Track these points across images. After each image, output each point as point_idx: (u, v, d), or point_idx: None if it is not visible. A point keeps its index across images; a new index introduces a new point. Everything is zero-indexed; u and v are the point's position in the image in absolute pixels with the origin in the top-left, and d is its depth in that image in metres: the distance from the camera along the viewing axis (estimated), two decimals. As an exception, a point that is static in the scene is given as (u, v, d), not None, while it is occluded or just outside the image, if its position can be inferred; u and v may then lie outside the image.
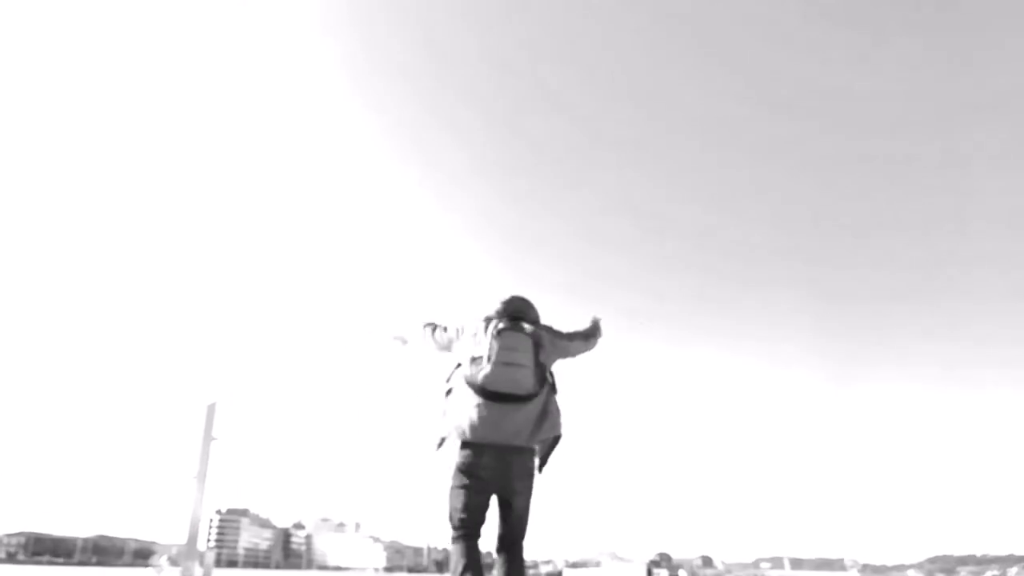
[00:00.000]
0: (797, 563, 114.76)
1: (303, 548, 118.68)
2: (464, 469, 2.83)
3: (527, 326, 2.99)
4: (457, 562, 2.78)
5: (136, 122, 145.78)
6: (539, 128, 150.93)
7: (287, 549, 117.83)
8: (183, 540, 5.03)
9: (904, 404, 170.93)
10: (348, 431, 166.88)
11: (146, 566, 50.74)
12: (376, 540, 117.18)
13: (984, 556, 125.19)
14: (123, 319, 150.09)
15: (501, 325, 2.94)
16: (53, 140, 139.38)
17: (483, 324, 3.00)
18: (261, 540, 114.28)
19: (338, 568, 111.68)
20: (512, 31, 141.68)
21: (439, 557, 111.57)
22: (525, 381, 2.84)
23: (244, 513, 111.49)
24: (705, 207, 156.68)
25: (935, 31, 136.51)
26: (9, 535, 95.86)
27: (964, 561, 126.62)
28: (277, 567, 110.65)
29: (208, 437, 5.15)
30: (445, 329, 3.21)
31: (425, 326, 3.28)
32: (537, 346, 2.93)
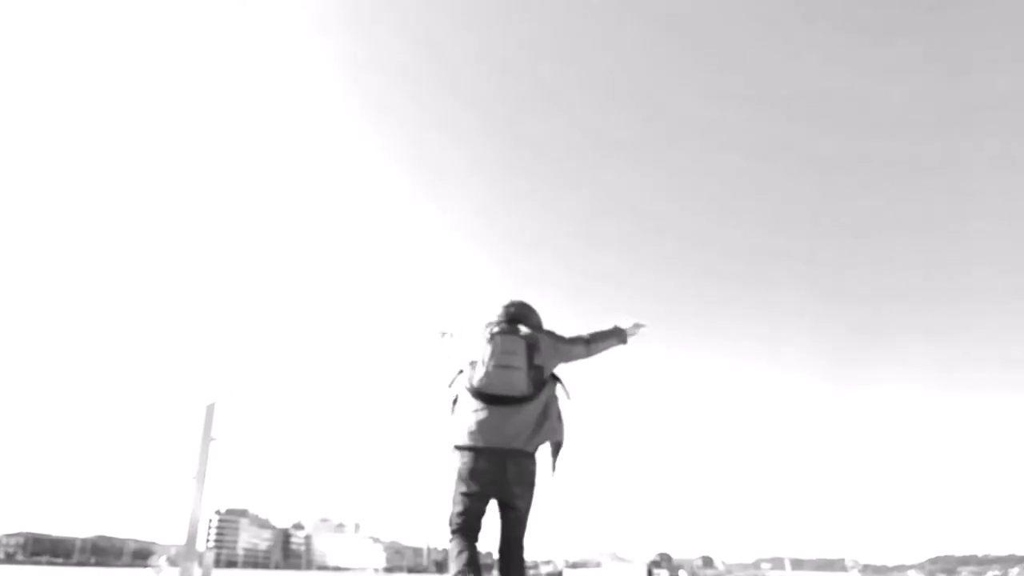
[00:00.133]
0: (798, 563, 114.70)
1: (302, 548, 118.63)
2: (463, 473, 2.86)
3: (524, 328, 3.02)
4: (455, 561, 2.80)
5: (135, 122, 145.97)
6: (538, 128, 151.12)
7: (286, 549, 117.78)
8: (182, 540, 5.02)
9: (905, 404, 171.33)
10: (348, 431, 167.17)
11: (145, 566, 50.75)
12: (376, 540, 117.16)
13: (985, 556, 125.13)
14: (122, 319, 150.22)
15: (496, 329, 2.98)
16: (53, 140, 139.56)
17: (483, 329, 3.04)
18: (260, 540, 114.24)
19: (338, 568, 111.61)
20: (512, 31, 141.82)
21: (439, 557, 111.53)
22: (519, 383, 2.87)
23: (243, 513, 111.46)
24: (705, 208, 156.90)
25: (935, 32, 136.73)
26: (8, 535, 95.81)
27: (965, 561, 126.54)
28: (276, 567, 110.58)
29: (207, 437, 5.14)
30: (452, 335, 3.30)
31: (443, 335, 3.37)
32: (532, 348, 2.95)
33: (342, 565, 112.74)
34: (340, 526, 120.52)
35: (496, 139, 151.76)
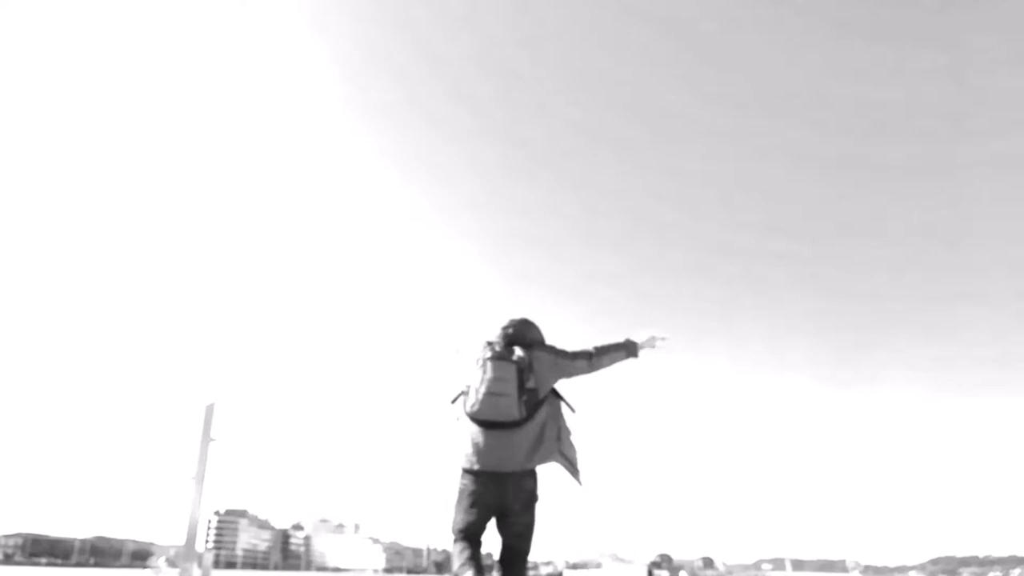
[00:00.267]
0: (799, 564, 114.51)
1: (302, 549, 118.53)
2: (464, 494, 2.94)
3: (518, 352, 3.02)
4: (458, 559, 2.85)
5: (134, 122, 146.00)
6: (538, 129, 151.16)
7: (286, 550, 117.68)
8: (181, 541, 5.02)
9: (905, 405, 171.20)
10: (347, 432, 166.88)
11: (144, 567, 50.74)
12: (375, 541, 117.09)
13: (987, 557, 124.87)
14: (122, 319, 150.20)
15: (488, 354, 3.00)
16: (53, 140, 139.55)
17: (481, 350, 3.07)
18: (260, 541, 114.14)
19: (337, 569, 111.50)
20: (510, 31, 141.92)
21: (439, 558, 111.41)
22: (509, 409, 2.89)
23: (243, 514, 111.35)
24: (705, 209, 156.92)
25: (935, 33, 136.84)
26: (6, 536, 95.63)
27: (966, 562, 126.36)
28: (276, 568, 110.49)
29: (206, 438, 5.13)
30: (462, 353, 3.31)
31: (457, 352, 3.38)
32: (523, 373, 2.96)
33: (342, 566, 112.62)
34: (340, 527, 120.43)
35: (495, 139, 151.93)
